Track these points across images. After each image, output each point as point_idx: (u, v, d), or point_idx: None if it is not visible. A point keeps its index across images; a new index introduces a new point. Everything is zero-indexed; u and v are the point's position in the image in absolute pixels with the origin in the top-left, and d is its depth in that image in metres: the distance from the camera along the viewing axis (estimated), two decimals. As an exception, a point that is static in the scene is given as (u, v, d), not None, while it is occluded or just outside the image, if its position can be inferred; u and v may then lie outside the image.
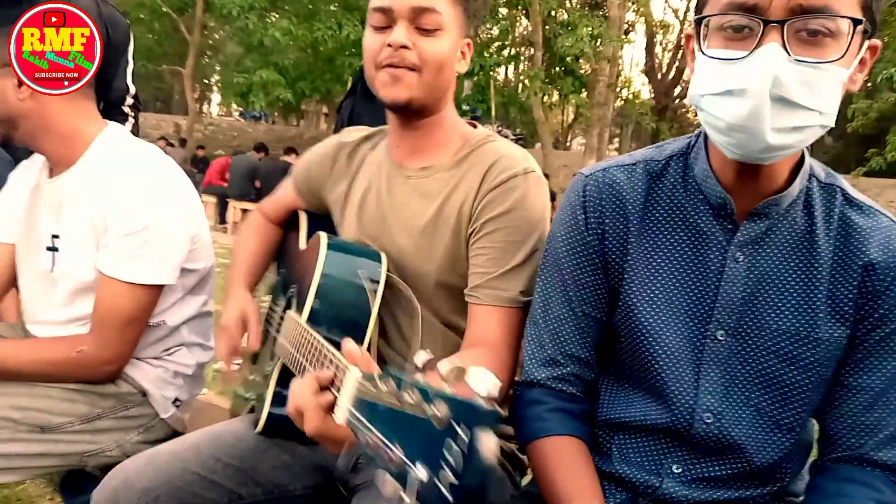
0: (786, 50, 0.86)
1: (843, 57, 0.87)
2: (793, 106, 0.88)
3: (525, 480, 1.35)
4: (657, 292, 1.06)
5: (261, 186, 11.85)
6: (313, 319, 1.18)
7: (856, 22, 0.86)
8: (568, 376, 1.13)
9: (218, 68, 28.45)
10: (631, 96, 26.46)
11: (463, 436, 0.56)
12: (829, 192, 1.05)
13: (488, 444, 0.55)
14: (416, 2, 1.21)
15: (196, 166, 15.84)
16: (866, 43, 0.90)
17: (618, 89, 22.07)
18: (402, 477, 0.60)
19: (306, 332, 1.09)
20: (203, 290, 1.67)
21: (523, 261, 1.22)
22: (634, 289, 1.08)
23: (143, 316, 1.50)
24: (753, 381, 1.03)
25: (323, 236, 1.29)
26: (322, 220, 1.53)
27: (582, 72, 20.17)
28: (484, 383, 0.59)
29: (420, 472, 0.58)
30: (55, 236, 1.52)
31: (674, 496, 1.06)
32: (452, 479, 0.56)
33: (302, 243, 1.48)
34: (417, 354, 0.66)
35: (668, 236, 1.07)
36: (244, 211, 12.19)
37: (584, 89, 19.38)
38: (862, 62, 0.92)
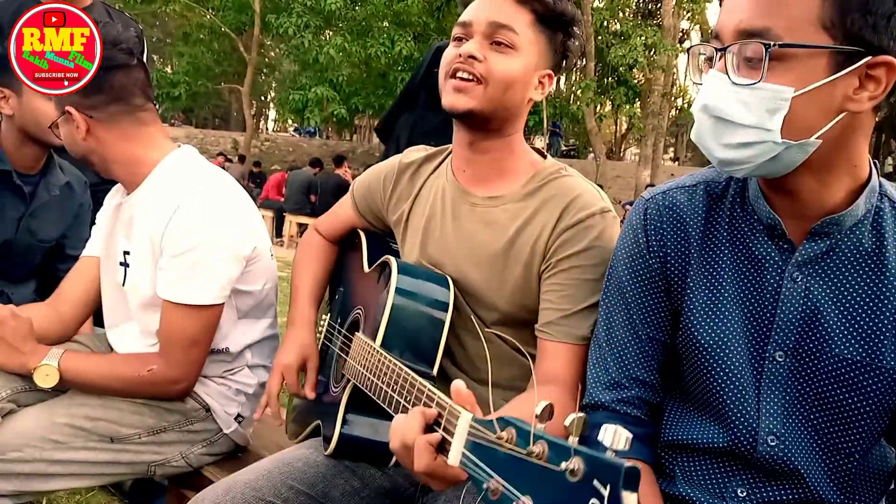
0: (727, 73, 0.92)
1: (801, 77, 0.88)
2: (732, 125, 0.93)
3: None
4: (717, 314, 1.06)
5: (315, 200, 12.04)
6: (386, 344, 1.21)
7: (766, 46, 0.88)
8: (632, 399, 1.13)
9: (274, 85, 29.08)
10: (686, 105, 26.03)
11: (605, 493, 0.54)
12: None
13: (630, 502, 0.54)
14: (494, 17, 1.25)
15: (253, 181, 16.22)
16: (863, 60, 0.88)
17: (672, 98, 21.73)
18: None
19: (385, 359, 1.12)
20: (266, 313, 1.70)
21: (597, 301, 1.22)
22: (694, 310, 1.07)
23: (207, 335, 1.53)
24: (813, 404, 1.02)
25: (393, 262, 1.31)
26: (381, 240, 1.54)
27: (635, 81, 19.95)
28: (617, 439, 0.58)
29: None
30: (126, 252, 1.58)
31: None
32: None
33: (365, 265, 1.48)
34: (538, 404, 0.66)
35: (727, 258, 1.06)
36: (300, 225, 12.43)
37: (637, 99, 19.14)
38: (871, 80, 0.89)
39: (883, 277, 0.98)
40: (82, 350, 1.66)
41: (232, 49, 22.68)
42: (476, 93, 1.24)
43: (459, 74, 1.25)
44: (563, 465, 0.58)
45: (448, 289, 1.29)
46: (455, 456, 0.75)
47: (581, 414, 0.61)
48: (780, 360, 1.02)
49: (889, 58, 0.87)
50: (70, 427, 1.46)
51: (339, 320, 1.49)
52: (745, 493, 1.05)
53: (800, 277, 1.01)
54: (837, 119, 0.90)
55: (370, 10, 17.60)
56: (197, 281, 1.48)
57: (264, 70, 28.41)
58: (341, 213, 1.61)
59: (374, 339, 1.22)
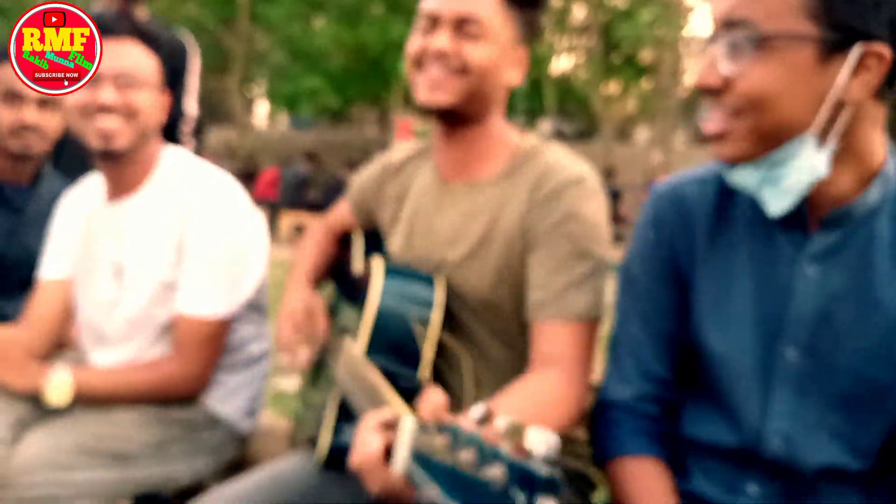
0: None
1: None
2: None
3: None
4: (725, 310, 1.06)
5: (312, 196, 11.68)
6: (371, 349, 1.21)
7: (749, 36, 0.90)
8: (648, 395, 1.12)
9: (264, 79, 28.67)
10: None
11: (520, 501, 0.57)
12: None
13: None
14: (460, 10, 1.22)
15: (243, 180, 15.66)
16: (852, 48, 0.88)
17: (681, 77, 21.26)
18: None
19: (364, 367, 1.14)
20: None
21: (588, 273, 1.19)
22: (702, 306, 1.08)
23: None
24: (827, 403, 1.00)
25: (379, 262, 1.30)
26: (378, 240, 1.50)
27: (644, 61, 19.44)
28: (542, 444, 0.60)
29: None
30: (119, 262, 1.56)
31: None
32: None
33: (357, 267, 1.50)
34: (474, 407, 0.68)
35: (737, 252, 1.06)
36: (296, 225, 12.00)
37: (645, 76, 18.62)
38: (863, 69, 0.89)
39: None
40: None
41: (217, 43, 22.17)
42: (451, 87, 1.23)
43: (432, 71, 1.24)
44: (487, 472, 0.60)
45: (433, 289, 1.26)
46: (398, 464, 0.76)
47: (513, 420, 0.63)
48: (791, 357, 1.00)
49: (880, 46, 0.88)
50: (76, 448, 1.43)
51: (334, 325, 1.47)
52: (756, 490, 1.04)
53: (812, 270, 1.00)
54: (830, 108, 0.91)
55: (362, -6, 17.04)
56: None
57: (254, 62, 28.03)
58: (339, 212, 1.63)
59: (358, 343, 1.23)
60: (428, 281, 1.28)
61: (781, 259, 1.02)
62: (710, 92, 0.95)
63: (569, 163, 1.26)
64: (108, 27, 1.48)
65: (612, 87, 20.12)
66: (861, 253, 0.98)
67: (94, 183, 1.69)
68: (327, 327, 1.41)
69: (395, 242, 1.41)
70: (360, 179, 1.56)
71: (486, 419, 0.66)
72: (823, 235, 0.99)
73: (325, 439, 1.26)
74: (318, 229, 1.67)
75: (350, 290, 1.49)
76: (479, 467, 0.61)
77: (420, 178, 1.41)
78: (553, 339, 1.18)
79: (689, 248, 1.09)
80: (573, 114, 24.00)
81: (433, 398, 0.80)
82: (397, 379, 1.11)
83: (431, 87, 1.24)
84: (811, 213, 0.99)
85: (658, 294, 1.13)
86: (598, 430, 1.16)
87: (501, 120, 1.33)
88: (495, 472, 0.58)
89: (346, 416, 1.22)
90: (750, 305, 1.04)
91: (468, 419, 0.68)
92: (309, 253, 1.61)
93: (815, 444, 1.01)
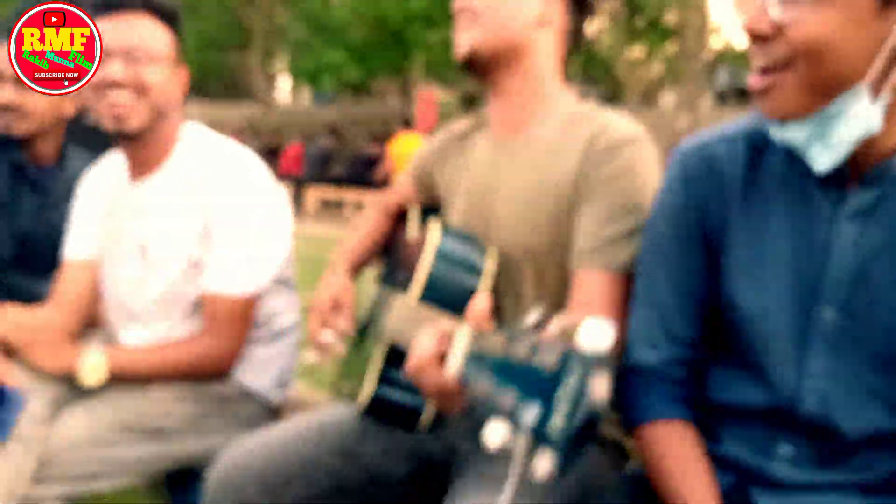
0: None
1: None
2: None
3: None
4: (759, 270, 1.03)
5: (336, 170, 11.68)
6: (422, 298, 1.22)
7: None
8: (676, 359, 1.10)
9: (286, 54, 28.53)
10: (723, 46, 24.96)
11: (573, 380, 0.59)
12: None
13: (598, 386, 0.58)
14: None
15: (267, 156, 15.66)
16: None
17: (707, 39, 20.74)
18: (513, 420, 0.63)
19: (417, 308, 1.18)
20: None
21: (635, 227, 1.19)
22: (735, 267, 1.05)
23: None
24: (865, 363, 0.98)
25: (435, 222, 1.33)
26: (433, 213, 1.52)
27: (668, 23, 18.96)
28: (596, 336, 0.60)
29: (532, 412, 0.61)
30: (144, 242, 1.55)
31: (783, 478, 1.02)
32: (563, 419, 0.59)
33: (413, 234, 1.52)
34: (531, 312, 0.70)
35: (771, 211, 1.03)
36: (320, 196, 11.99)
37: (671, 40, 18.19)
38: None
39: None
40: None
41: (239, 19, 22.03)
42: (471, 33, 1.25)
43: (458, 27, 1.27)
44: (540, 359, 0.62)
45: (485, 258, 1.28)
46: (453, 365, 0.78)
47: (568, 322, 0.64)
48: (828, 317, 0.98)
49: None
50: (116, 424, 1.45)
51: (385, 290, 1.47)
52: (789, 452, 1.02)
53: (850, 229, 0.97)
54: (886, 58, 0.87)
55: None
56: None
57: (275, 37, 27.88)
58: (399, 186, 1.61)
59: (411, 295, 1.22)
60: (481, 249, 1.29)
61: (819, 218, 1.00)
62: (759, 38, 0.90)
63: (625, 124, 1.27)
64: (119, 1, 1.46)
65: (637, 51, 19.73)
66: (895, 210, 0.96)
67: (114, 161, 1.67)
68: (352, 317, 1.41)
69: (454, 208, 1.42)
70: (424, 150, 1.56)
71: (541, 324, 0.68)
72: (861, 193, 0.96)
73: (368, 388, 1.27)
74: (373, 207, 1.66)
75: (404, 256, 1.49)
76: (532, 356, 0.63)
77: (479, 146, 1.42)
78: (592, 286, 1.19)
79: (721, 208, 1.07)
80: (597, 80, 23.63)
81: (478, 303, 0.81)
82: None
83: (458, 45, 1.27)
84: (851, 169, 0.96)
85: (687, 254, 1.10)
86: (625, 394, 1.14)
87: (554, 80, 1.34)
88: (548, 358, 0.60)
89: (392, 363, 1.24)
90: (786, 265, 1.01)
91: (525, 324, 0.70)
92: (358, 232, 1.61)
93: (852, 404, 0.99)
